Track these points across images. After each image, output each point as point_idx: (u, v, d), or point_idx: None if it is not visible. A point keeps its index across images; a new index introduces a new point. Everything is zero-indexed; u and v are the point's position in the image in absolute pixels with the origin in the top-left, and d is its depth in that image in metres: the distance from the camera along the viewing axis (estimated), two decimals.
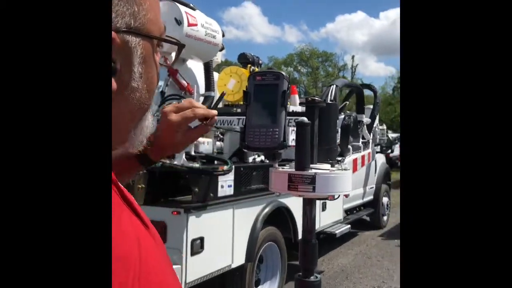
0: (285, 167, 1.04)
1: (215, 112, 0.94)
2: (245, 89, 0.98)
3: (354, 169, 5.16)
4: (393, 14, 65.66)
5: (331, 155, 1.12)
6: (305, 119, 0.97)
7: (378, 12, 79.71)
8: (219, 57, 4.56)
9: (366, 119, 5.03)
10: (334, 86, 1.30)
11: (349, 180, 0.98)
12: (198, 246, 2.83)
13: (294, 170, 0.97)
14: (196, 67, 4.02)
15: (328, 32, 67.72)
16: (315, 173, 0.94)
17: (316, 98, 1.04)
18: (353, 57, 39.00)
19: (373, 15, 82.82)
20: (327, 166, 1.04)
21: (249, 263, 3.35)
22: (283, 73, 0.97)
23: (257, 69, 4.54)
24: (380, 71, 62.11)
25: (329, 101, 1.08)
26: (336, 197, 0.97)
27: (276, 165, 1.06)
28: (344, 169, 1.00)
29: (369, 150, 5.95)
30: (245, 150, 1.00)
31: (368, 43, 63.07)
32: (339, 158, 1.15)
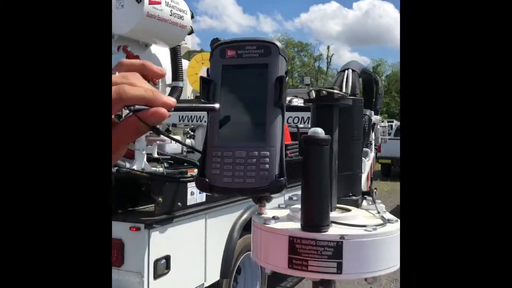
0: (278, 216, 0.59)
1: (170, 100, 0.49)
2: (204, 75, 0.53)
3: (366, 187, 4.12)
4: (366, 5, 66.12)
5: (355, 186, 0.68)
6: (319, 130, 0.51)
7: (351, 2, 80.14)
8: (188, 42, 4.04)
9: (375, 117, 3.97)
10: (350, 71, 0.85)
11: (398, 243, 0.54)
12: (163, 267, 2.37)
13: (299, 228, 0.52)
14: (161, 53, 3.50)
15: (302, 22, 67.55)
16: (342, 236, 0.49)
17: (336, 91, 0.59)
18: (328, 47, 38.75)
19: (347, 5, 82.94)
20: (356, 212, 0.60)
21: (225, 279, 2.92)
22: (276, 43, 0.52)
23: None
24: None
25: (349, 96, 0.62)
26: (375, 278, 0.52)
27: (264, 211, 0.61)
28: (388, 220, 0.55)
29: (372, 153, 4.97)
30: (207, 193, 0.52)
31: (342, 33, 63.34)
32: (364, 190, 0.70)
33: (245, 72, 0.51)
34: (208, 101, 0.51)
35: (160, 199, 2.38)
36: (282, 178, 0.49)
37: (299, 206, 0.60)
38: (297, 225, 0.53)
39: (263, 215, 0.59)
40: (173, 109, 0.48)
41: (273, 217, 0.57)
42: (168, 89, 3.44)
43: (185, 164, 2.75)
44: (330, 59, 37.71)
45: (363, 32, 60.57)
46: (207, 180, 0.50)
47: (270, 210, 0.63)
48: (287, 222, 0.55)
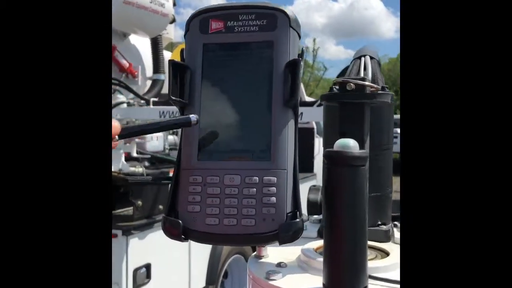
0: (286, 263, 0.42)
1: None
2: (175, 61, 0.35)
3: None
4: None
5: (385, 211, 0.51)
6: (351, 144, 0.34)
7: None
8: (170, 33, 3.82)
9: None
10: (368, 58, 0.65)
11: None
12: (143, 276, 2.19)
13: (320, 287, 0.35)
14: (141, 43, 3.29)
15: None
16: None
17: (367, 82, 0.42)
18: (314, 40, 38.68)
19: None
20: (394, 255, 0.43)
21: (211, 286, 2.75)
22: (286, 10, 0.34)
23: None
24: (340, 54, 61.88)
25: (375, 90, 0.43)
26: None
27: (264, 253, 0.44)
28: None
29: None
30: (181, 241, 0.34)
31: (327, 25, 63.57)
32: (394, 214, 0.54)
33: (238, 55, 0.34)
34: (180, 100, 0.33)
35: (139, 202, 2.19)
36: (297, 219, 0.32)
37: (313, 244, 0.43)
38: (315, 280, 0.36)
39: (263, 259, 0.42)
40: (117, 137, 0.33)
41: (279, 265, 0.40)
42: (149, 83, 3.24)
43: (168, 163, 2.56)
44: (316, 52, 37.68)
45: (348, 24, 60.88)
46: (179, 221, 0.33)
47: (271, 247, 0.46)
48: (300, 274, 0.38)
